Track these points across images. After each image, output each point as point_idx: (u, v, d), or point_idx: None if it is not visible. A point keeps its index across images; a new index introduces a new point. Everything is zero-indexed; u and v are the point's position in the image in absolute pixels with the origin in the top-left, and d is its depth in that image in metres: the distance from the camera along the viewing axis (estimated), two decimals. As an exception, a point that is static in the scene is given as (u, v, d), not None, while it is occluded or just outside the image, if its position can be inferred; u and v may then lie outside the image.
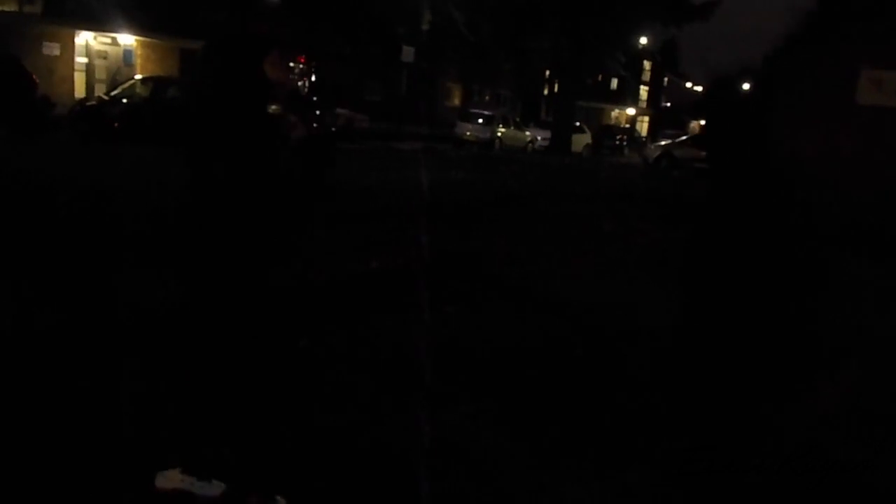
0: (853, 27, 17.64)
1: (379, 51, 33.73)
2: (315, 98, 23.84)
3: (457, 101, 43.30)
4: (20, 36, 21.99)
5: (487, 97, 45.71)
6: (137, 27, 25.04)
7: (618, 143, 39.22)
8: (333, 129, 23.13)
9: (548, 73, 43.33)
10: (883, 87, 18.48)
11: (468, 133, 29.02)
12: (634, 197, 13.93)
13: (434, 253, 6.90)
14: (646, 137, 51.64)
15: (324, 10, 31.62)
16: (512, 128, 31.12)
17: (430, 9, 33.28)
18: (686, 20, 29.74)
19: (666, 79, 73.53)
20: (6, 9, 23.69)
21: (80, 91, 24.14)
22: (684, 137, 30.53)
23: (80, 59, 24.85)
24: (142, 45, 26.34)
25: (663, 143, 29.38)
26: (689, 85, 79.31)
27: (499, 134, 29.69)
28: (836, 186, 10.32)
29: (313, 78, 33.44)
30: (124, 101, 16.95)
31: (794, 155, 9.06)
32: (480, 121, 29.73)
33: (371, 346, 4.55)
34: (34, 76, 15.57)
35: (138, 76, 20.43)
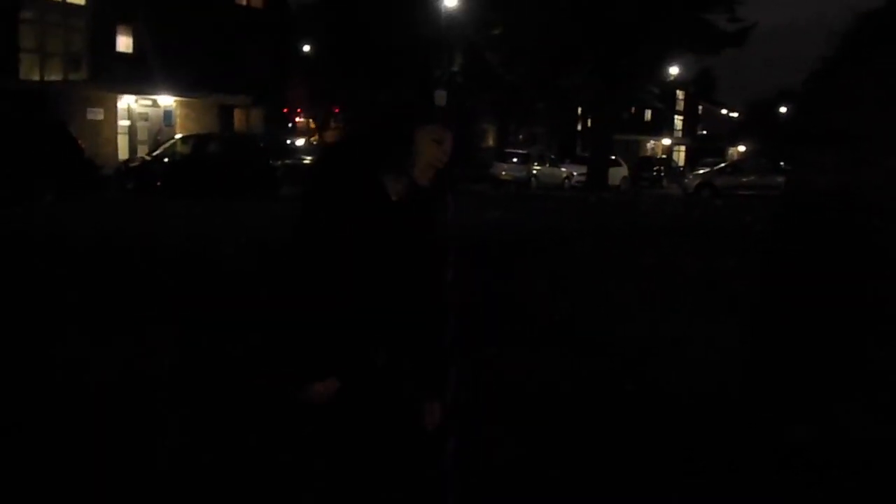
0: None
1: (412, 95, 34.14)
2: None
3: (491, 142, 43.54)
4: (66, 102, 22.84)
5: (522, 136, 45.88)
6: (176, 87, 25.83)
7: (655, 174, 38.92)
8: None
9: (580, 109, 43.37)
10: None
11: (504, 173, 29.11)
12: (674, 230, 13.66)
13: (473, 292, 6.79)
14: (683, 167, 51.15)
15: (356, 58, 32.27)
16: (547, 165, 31.21)
17: (464, 51, 33.70)
18: (720, 48, 29.47)
19: (700, 107, 73.12)
20: (53, 78, 24.70)
21: (123, 153, 24.91)
22: (723, 165, 30.07)
23: (123, 122, 25.69)
24: (181, 104, 27.14)
25: (702, 171, 28.99)
26: (724, 112, 78.66)
27: (535, 172, 29.72)
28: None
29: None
30: (166, 160, 17.42)
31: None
32: (515, 160, 29.82)
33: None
34: (79, 141, 16.08)
35: (178, 135, 21.00)
